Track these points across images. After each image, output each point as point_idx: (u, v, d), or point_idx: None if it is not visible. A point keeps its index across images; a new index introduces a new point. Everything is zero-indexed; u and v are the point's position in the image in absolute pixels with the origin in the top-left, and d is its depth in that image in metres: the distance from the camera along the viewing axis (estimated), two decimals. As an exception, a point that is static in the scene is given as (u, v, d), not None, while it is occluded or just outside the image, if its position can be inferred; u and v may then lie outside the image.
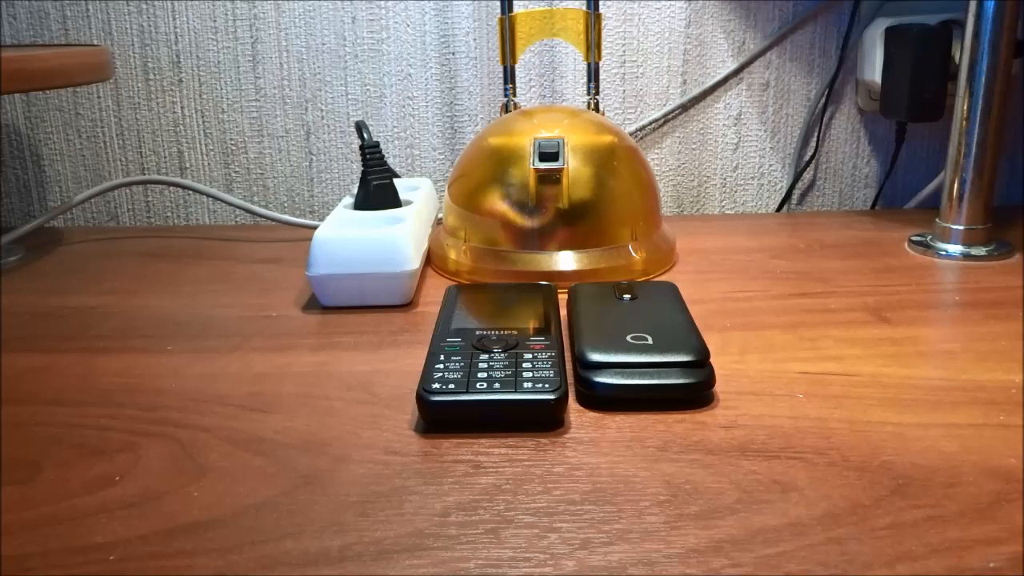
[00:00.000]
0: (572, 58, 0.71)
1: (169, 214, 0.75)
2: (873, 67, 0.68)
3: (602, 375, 0.37)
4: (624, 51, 0.72)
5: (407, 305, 0.50)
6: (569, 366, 0.39)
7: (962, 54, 0.56)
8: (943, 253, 0.57)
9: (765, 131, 0.74)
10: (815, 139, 0.74)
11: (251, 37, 0.71)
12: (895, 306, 0.48)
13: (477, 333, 0.40)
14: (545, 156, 0.52)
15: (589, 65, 0.62)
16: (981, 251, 0.57)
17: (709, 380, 0.37)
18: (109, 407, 0.38)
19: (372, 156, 0.56)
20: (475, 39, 0.71)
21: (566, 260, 0.52)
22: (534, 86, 0.72)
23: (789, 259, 0.57)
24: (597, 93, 0.62)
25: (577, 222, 0.53)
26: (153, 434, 0.35)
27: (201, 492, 0.31)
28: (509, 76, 0.62)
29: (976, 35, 0.55)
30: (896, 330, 0.44)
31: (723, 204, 0.75)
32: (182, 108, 0.73)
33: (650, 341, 0.38)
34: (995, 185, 0.57)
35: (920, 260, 0.57)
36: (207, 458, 0.33)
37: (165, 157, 0.74)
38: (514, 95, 0.62)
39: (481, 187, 0.54)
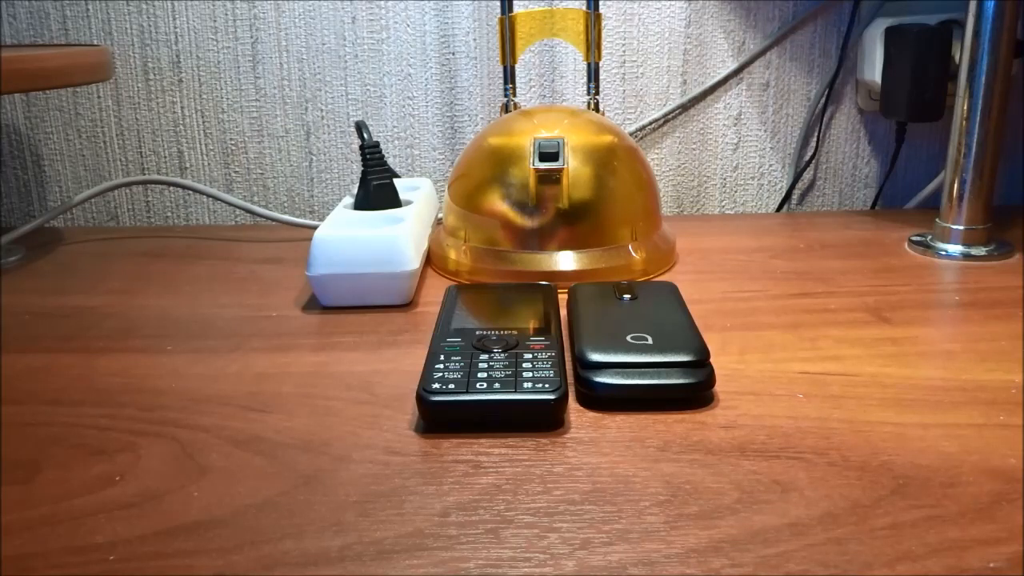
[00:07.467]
0: (572, 58, 0.71)
1: (169, 214, 0.75)
2: (873, 67, 0.68)
3: (602, 375, 0.37)
4: (624, 51, 0.72)
5: (407, 305, 0.50)
6: (569, 366, 0.39)
7: (962, 54, 0.56)
8: (943, 253, 0.57)
9: (765, 131, 0.74)
10: (815, 139, 0.74)
11: (251, 37, 0.71)
12: (895, 306, 0.48)
13: (477, 333, 0.40)
14: (545, 156, 0.52)
15: (589, 65, 0.62)
16: (981, 251, 0.57)
17: (709, 380, 0.37)
18: (109, 407, 0.38)
19: (372, 156, 0.56)
20: (475, 39, 0.71)
21: (566, 260, 0.52)
22: (534, 86, 0.72)
23: (789, 259, 0.57)
24: (597, 93, 0.62)
25: (577, 222, 0.53)
26: (153, 434, 0.35)
27: (201, 492, 0.31)
28: (509, 76, 0.62)
29: (976, 35, 0.55)
30: (896, 330, 0.44)
31: (723, 204, 0.75)
32: (182, 108, 0.73)
33: (650, 341, 0.38)
34: (995, 185, 0.57)
35: (920, 260, 0.57)
36: (207, 458, 0.33)
37: (165, 157, 0.74)
38: (514, 95, 0.62)
39: (481, 187, 0.54)
